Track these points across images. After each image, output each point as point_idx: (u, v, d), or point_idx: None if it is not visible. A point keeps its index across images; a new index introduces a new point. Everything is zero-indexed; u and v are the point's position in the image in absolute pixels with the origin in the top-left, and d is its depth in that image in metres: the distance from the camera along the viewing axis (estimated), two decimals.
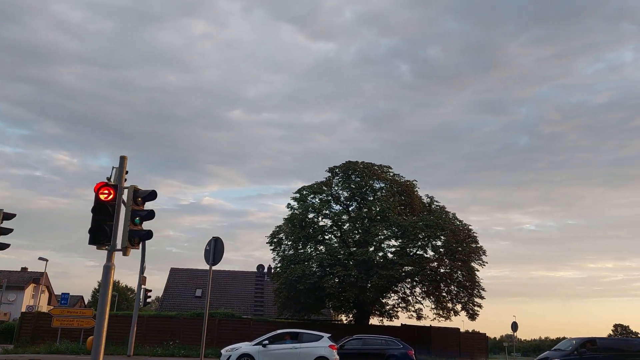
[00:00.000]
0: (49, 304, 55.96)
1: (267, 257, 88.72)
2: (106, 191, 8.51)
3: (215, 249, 13.11)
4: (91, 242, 8.39)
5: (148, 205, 9.05)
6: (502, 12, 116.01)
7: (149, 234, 8.85)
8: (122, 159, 8.84)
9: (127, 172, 8.96)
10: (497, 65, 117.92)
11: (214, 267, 13.86)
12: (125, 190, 8.89)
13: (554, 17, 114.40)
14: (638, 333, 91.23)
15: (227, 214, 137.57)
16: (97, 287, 77.13)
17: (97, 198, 8.48)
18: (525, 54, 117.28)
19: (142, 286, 25.56)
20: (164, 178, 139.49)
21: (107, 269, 8.41)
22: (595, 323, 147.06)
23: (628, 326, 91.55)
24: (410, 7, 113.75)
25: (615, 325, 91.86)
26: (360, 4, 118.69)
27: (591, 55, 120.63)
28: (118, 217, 8.63)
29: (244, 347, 19.78)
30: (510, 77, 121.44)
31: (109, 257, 8.48)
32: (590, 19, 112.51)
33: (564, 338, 31.47)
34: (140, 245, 23.04)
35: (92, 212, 8.43)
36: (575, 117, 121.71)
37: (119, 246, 8.60)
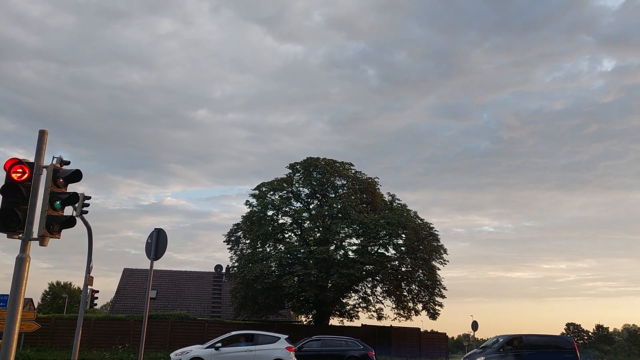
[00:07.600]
0: None
1: (228, 259, 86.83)
2: (20, 169, 7.18)
3: (157, 242, 11.88)
4: (0, 229, 7.07)
5: (71, 188, 7.78)
6: (465, 20, 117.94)
7: (70, 221, 7.52)
8: (42, 134, 7.47)
9: (57, 156, 7.74)
10: (460, 71, 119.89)
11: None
12: (45, 171, 7.59)
13: (514, 26, 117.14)
14: (589, 332, 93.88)
15: (189, 215, 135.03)
16: (47, 290, 73.86)
17: (8, 177, 7.16)
18: (486, 61, 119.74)
19: (89, 287, 24.22)
20: (125, 178, 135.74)
21: (21, 262, 7.07)
22: (550, 322, 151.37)
23: (580, 325, 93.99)
24: (377, 12, 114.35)
25: (568, 324, 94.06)
26: (329, 7, 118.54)
27: (549, 64, 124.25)
28: (35, 201, 7.34)
29: (195, 350, 18.68)
30: (473, 83, 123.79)
31: (23, 248, 7.14)
32: (549, 29, 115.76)
33: None
34: (88, 242, 21.82)
35: (0, 194, 7.11)
36: (532, 123, 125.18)
37: (35, 235, 7.29)
